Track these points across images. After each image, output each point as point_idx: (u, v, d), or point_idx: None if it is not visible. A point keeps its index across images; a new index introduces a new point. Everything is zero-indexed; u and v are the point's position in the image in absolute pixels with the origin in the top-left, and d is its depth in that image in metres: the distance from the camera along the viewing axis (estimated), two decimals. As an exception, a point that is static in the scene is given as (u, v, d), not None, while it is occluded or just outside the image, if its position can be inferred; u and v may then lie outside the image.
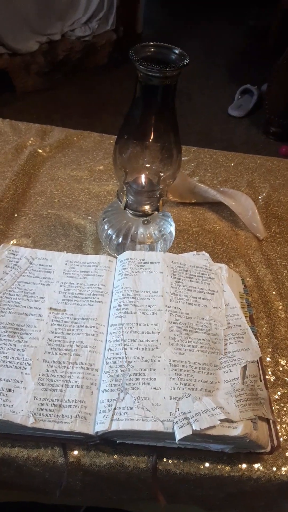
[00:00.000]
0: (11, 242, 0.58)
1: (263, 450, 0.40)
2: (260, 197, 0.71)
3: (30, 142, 0.75)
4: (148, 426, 0.37)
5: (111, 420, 0.38)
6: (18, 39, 1.85)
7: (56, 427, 0.37)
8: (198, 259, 0.53)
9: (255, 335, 0.47)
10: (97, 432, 0.38)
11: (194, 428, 0.37)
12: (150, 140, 0.49)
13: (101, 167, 0.73)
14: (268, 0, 2.32)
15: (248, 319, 0.48)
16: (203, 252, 0.54)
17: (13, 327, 0.44)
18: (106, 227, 0.56)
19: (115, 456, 0.40)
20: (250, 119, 2.06)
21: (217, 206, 0.68)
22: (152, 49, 0.44)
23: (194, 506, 0.45)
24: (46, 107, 1.91)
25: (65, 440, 0.39)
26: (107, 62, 2.27)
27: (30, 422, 0.37)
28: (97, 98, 2.05)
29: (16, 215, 0.62)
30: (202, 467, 0.40)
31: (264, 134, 1.96)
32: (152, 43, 0.44)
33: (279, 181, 0.76)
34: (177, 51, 0.43)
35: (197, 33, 2.68)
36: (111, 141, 0.79)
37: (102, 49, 2.21)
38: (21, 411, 0.38)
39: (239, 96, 2.13)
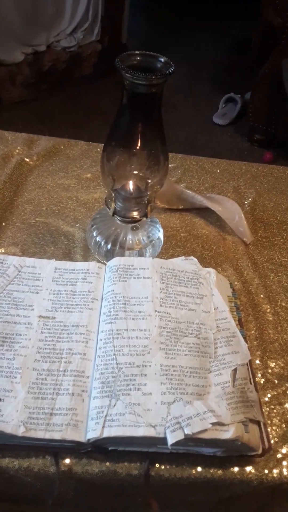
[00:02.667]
0: (-1, 250, 0.58)
1: (254, 453, 0.40)
2: (246, 202, 0.73)
3: (17, 151, 0.75)
4: (140, 432, 0.37)
5: (103, 427, 0.37)
6: (3, 49, 1.86)
7: (47, 435, 0.37)
8: (187, 264, 0.54)
9: (244, 338, 0.47)
10: (89, 440, 0.37)
11: (186, 432, 0.37)
12: (137, 147, 0.50)
13: (89, 175, 0.73)
14: (251, 12, 2.37)
15: (237, 322, 0.49)
16: (192, 257, 0.55)
17: (2, 336, 0.44)
18: (95, 234, 0.56)
19: (107, 464, 0.39)
20: (234, 127, 2.10)
21: (204, 212, 0.69)
22: (138, 58, 0.45)
23: (187, 511, 0.45)
24: (33, 118, 1.91)
25: (56, 449, 0.39)
26: (93, 72, 2.28)
27: (20, 431, 0.37)
28: (84, 108, 2.06)
29: (3, 223, 0.62)
30: (194, 472, 0.40)
31: (248, 141, 2.00)
32: (138, 52, 0.45)
33: (264, 186, 0.77)
34: (162, 60, 0.44)
35: (182, 44, 2.72)
36: (98, 149, 0.79)
37: (87, 59, 2.23)
38: (12, 420, 0.38)
39: (223, 105, 2.17)
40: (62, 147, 0.79)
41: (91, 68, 2.28)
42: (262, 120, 1.90)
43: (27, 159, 0.74)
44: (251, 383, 0.43)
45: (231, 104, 2.16)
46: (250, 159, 1.81)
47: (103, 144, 0.51)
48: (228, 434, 0.38)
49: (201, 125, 2.10)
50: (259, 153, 1.91)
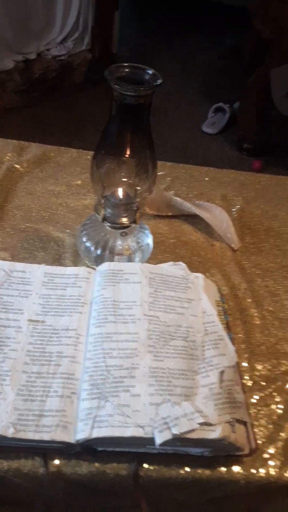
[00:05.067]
0: (-10, 256, 0.58)
1: (241, 452, 0.41)
2: (233, 210, 0.74)
3: (7, 157, 0.76)
4: (129, 432, 0.38)
5: (92, 427, 0.38)
6: (-6, 57, 1.87)
7: (37, 436, 0.38)
8: (175, 269, 0.55)
9: (232, 341, 0.48)
10: (78, 440, 0.38)
11: (173, 432, 0.38)
12: (127, 156, 0.51)
13: (79, 182, 0.74)
14: (242, 21, 2.42)
15: (224, 326, 0.50)
16: (180, 262, 0.56)
17: (-8, 340, 0.44)
18: (84, 240, 0.57)
19: (96, 464, 0.40)
20: (223, 136, 2.13)
21: (193, 219, 0.70)
22: (127, 70, 0.46)
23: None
24: (23, 125, 1.92)
25: (45, 450, 0.39)
26: (83, 81, 2.31)
27: (10, 433, 0.37)
28: (75, 116, 2.07)
29: (-6, 229, 0.63)
30: (182, 472, 0.41)
31: (237, 150, 2.03)
32: (126, 64, 0.46)
33: (251, 194, 0.79)
34: (150, 72, 0.46)
35: (173, 52, 2.77)
36: (88, 157, 0.80)
37: (77, 68, 2.26)
38: (1, 421, 0.38)
39: (212, 114, 2.21)
40: (52, 154, 0.80)
41: (82, 77, 2.30)
42: (251, 130, 1.94)
43: (17, 166, 0.75)
44: (238, 385, 0.44)
45: (220, 114, 2.20)
46: (239, 167, 1.84)
47: (93, 152, 0.52)
48: (215, 434, 0.38)
49: (191, 133, 2.13)
50: (248, 162, 1.94)
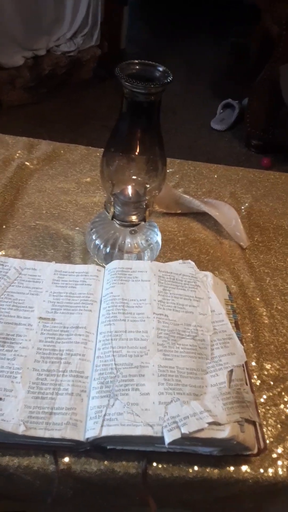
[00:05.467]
0: (0, 253, 0.59)
1: (250, 452, 0.41)
2: (242, 207, 0.74)
3: (17, 155, 0.76)
4: (138, 431, 0.38)
5: (102, 426, 0.38)
6: (3, 53, 1.87)
7: (47, 434, 0.38)
8: (184, 267, 0.55)
9: (240, 340, 0.48)
10: (87, 439, 0.38)
11: (182, 431, 0.38)
12: (136, 153, 0.51)
13: (88, 179, 0.75)
14: (250, 18, 2.40)
15: (233, 324, 0.50)
16: (189, 260, 0.56)
17: (3, 337, 0.45)
18: (94, 237, 0.57)
19: (106, 462, 0.40)
20: (232, 132, 2.12)
21: (202, 216, 0.70)
22: (137, 67, 0.46)
23: (183, 510, 0.45)
24: (32, 121, 1.93)
25: (55, 448, 0.39)
26: (92, 77, 2.30)
27: (21, 430, 0.38)
28: (83, 112, 2.07)
29: (4, 226, 0.63)
30: (191, 471, 0.41)
31: (245, 147, 2.02)
32: (137, 61, 0.46)
33: (260, 191, 0.78)
34: (161, 69, 0.45)
35: (180, 49, 2.75)
36: (98, 154, 0.80)
37: (87, 64, 2.25)
38: (12, 419, 0.38)
39: (221, 110, 2.19)
40: (62, 151, 0.80)
41: (91, 73, 2.30)
42: (259, 126, 1.92)
43: (27, 163, 0.75)
44: (247, 384, 0.44)
45: (229, 110, 2.18)
46: (248, 164, 1.83)
47: (102, 149, 0.52)
48: (224, 433, 0.38)
49: (199, 130, 2.12)
50: (257, 159, 1.93)
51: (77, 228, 0.65)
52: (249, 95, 1.94)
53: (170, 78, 0.44)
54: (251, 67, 2.23)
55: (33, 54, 1.99)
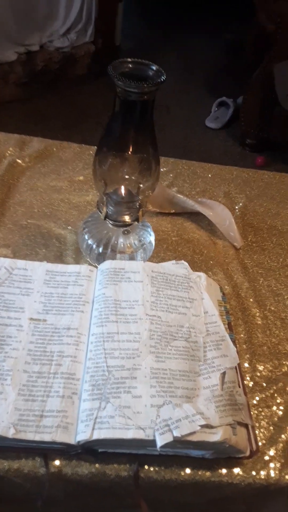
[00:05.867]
0: (-9, 252, 0.58)
1: (242, 455, 0.41)
2: (236, 207, 0.74)
3: (9, 152, 0.75)
4: (130, 434, 0.38)
5: (93, 429, 0.38)
6: (-4, 48, 1.85)
7: (37, 437, 0.37)
8: (178, 268, 0.54)
9: (233, 342, 0.48)
10: (78, 442, 0.38)
11: (175, 434, 0.37)
12: (129, 152, 0.50)
13: (81, 178, 0.74)
14: (245, 14, 2.39)
15: (226, 326, 0.50)
16: (182, 261, 0.55)
17: (-7, 338, 0.44)
18: (86, 237, 0.57)
19: (97, 465, 0.40)
20: (226, 131, 2.12)
21: (196, 216, 0.70)
22: (130, 65, 0.45)
23: (175, 513, 0.45)
24: (25, 118, 1.91)
25: (46, 450, 0.39)
26: (86, 73, 2.29)
27: (11, 433, 0.37)
28: (77, 108, 2.06)
29: (-5, 225, 0.62)
30: (183, 473, 0.40)
31: (240, 145, 2.01)
32: (130, 59, 0.45)
33: (254, 191, 0.78)
34: (154, 68, 0.45)
35: (176, 46, 2.74)
36: (91, 152, 0.80)
37: (80, 60, 2.23)
38: (2, 422, 0.38)
39: (216, 109, 2.19)
40: (54, 149, 0.79)
41: (85, 69, 2.28)
42: (254, 125, 1.92)
43: (19, 161, 0.74)
44: (239, 386, 0.44)
45: (223, 108, 2.18)
46: (242, 163, 1.83)
47: (95, 147, 0.51)
48: (216, 436, 0.38)
49: (194, 128, 2.11)
50: (251, 157, 1.93)
51: (70, 227, 0.64)
52: (244, 93, 1.94)
53: (163, 78, 0.43)
54: (247, 64, 2.23)
55: (26, 49, 1.97)
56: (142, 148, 0.50)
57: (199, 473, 0.41)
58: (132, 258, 0.57)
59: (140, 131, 0.49)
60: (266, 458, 0.43)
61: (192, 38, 2.88)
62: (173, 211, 0.70)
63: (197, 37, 2.90)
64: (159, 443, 0.37)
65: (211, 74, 2.54)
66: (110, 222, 0.55)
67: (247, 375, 0.49)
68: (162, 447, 0.37)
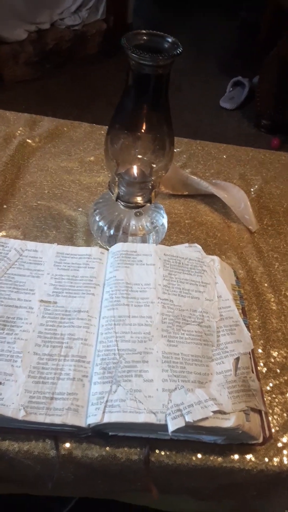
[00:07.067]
0: (0, 233, 0.57)
1: (255, 441, 0.40)
2: (252, 190, 0.71)
3: (19, 132, 0.74)
4: (141, 418, 0.37)
5: (103, 412, 0.37)
6: (5, 27, 1.81)
7: (48, 419, 0.37)
8: (191, 251, 0.53)
9: (247, 327, 0.47)
10: (89, 425, 0.37)
11: (187, 419, 0.37)
12: (142, 131, 0.48)
13: (92, 158, 0.72)
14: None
15: (240, 311, 0.48)
16: (195, 244, 0.54)
17: (3, 320, 0.44)
18: (97, 219, 0.56)
19: (107, 448, 0.39)
20: (241, 111, 2.06)
21: (209, 198, 0.68)
22: (145, 37, 0.43)
23: (186, 496, 0.45)
24: (36, 97, 1.88)
25: (56, 433, 0.39)
26: (97, 52, 2.24)
27: (21, 415, 0.37)
28: (88, 88, 2.02)
29: (5, 206, 0.61)
30: (194, 458, 0.40)
31: (255, 126, 1.96)
32: (144, 31, 0.43)
33: (271, 173, 0.76)
34: (170, 40, 0.43)
35: (188, 24, 2.66)
36: (102, 132, 0.78)
37: (92, 38, 2.18)
38: (12, 404, 0.38)
39: (231, 88, 2.13)
40: (65, 129, 0.77)
41: (96, 48, 2.23)
42: (270, 106, 1.86)
43: (29, 141, 0.73)
44: (253, 372, 0.43)
45: (239, 88, 2.12)
46: (257, 144, 1.78)
47: (106, 127, 0.49)
48: (229, 422, 0.37)
49: (206, 109, 2.06)
50: (266, 139, 1.88)
51: (80, 209, 0.63)
52: (259, 73, 1.88)
53: (179, 50, 0.41)
54: (262, 43, 2.15)
55: (36, 28, 1.93)
56: (156, 127, 0.48)
57: (211, 458, 0.40)
58: (144, 240, 0.55)
59: (154, 108, 0.47)
60: (280, 445, 0.42)
61: (205, 16, 2.79)
62: (186, 193, 0.68)
63: (211, 15, 2.81)
64: (171, 428, 0.36)
65: (225, 54, 2.46)
66: (122, 203, 0.54)
67: (260, 361, 0.48)
68: (173, 432, 0.37)
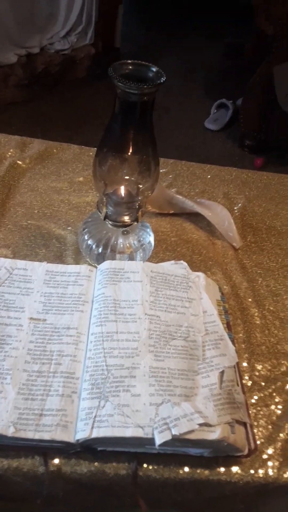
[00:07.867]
0: (-9, 253, 0.58)
1: (240, 453, 0.41)
2: (235, 208, 0.74)
3: (9, 153, 0.76)
4: (129, 432, 0.38)
5: (92, 427, 0.38)
6: (-4, 51, 1.86)
7: (37, 436, 0.38)
8: (177, 268, 0.55)
9: (232, 341, 0.48)
10: (78, 440, 0.38)
11: (173, 432, 0.38)
12: (129, 153, 0.50)
13: (81, 179, 0.74)
14: (245, 18, 2.40)
15: (225, 325, 0.50)
16: (181, 261, 0.56)
17: (-7, 338, 0.44)
18: (86, 238, 0.57)
19: (96, 464, 0.40)
20: (226, 132, 2.12)
21: (195, 217, 0.70)
22: (130, 67, 0.46)
23: (175, 511, 0.45)
24: (26, 120, 1.91)
25: (45, 449, 0.39)
26: (86, 76, 2.29)
27: (10, 432, 0.37)
28: (77, 111, 2.06)
29: (-5, 226, 0.62)
30: (181, 472, 0.41)
31: (239, 147, 2.02)
32: (130, 61, 0.46)
33: (253, 192, 0.79)
34: (154, 69, 0.45)
35: (175, 48, 2.75)
36: (91, 153, 0.80)
37: (81, 62, 2.24)
38: (1, 420, 0.38)
39: (215, 110, 2.19)
40: (54, 151, 0.80)
41: (85, 72, 2.29)
42: (253, 126, 1.93)
43: (19, 162, 0.74)
44: (238, 385, 0.44)
45: (223, 110, 2.18)
46: (241, 164, 1.84)
47: (95, 148, 0.52)
48: (214, 434, 0.38)
49: (193, 130, 2.12)
50: (250, 159, 1.94)
51: (70, 228, 0.64)
52: (243, 95, 1.95)
53: (163, 79, 0.44)
54: (246, 67, 2.23)
55: (26, 51, 1.98)
56: (141, 149, 0.51)
57: (198, 471, 0.41)
58: (131, 258, 0.57)
59: (140, 132, 0.49)
60: (265, 456, 0.43)
61: (191, 41, 2.89)
62: (172, 211, 0.70)
63: (197, 40, 2.91)
64: (158, 441, 0.37)
65: (210, 77, 2.55)
66: (110, 222, 0.55)
67: (245, 374, 0.50)
68: (160, 445, 0.37)
